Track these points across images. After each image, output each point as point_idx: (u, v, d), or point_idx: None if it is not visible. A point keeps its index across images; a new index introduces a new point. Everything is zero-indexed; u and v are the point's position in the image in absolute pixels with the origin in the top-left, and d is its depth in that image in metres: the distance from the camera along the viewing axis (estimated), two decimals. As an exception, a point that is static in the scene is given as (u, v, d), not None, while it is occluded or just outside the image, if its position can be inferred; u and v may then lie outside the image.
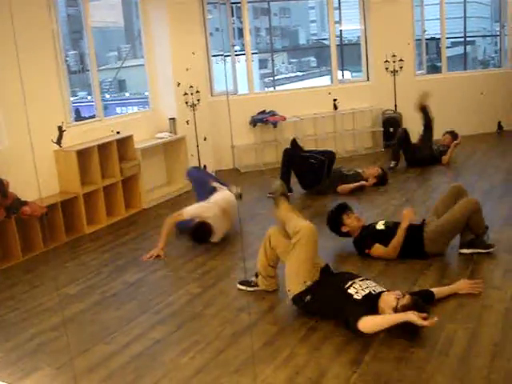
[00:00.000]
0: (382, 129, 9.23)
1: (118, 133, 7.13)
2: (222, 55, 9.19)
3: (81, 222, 6.35)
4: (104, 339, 3.94)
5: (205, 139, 8.38)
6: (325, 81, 11.39)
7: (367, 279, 3.93)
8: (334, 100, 9.35)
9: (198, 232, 5.54)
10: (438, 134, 8.34)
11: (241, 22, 9.25)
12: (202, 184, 6.26)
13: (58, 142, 6.45)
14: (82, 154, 6.43)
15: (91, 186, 6.50)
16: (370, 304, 3.67)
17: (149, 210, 7.11)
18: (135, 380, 3.41)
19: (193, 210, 5.59)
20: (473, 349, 3.41)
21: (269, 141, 8.96)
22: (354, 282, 3.82)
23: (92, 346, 3.85)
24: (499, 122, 10.01)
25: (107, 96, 13.50)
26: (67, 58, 9.94)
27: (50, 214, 5.92)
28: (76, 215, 6.34)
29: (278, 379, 3.27)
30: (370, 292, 3.74)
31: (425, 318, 3.45)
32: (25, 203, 5.61)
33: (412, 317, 3.44)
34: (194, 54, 8.19)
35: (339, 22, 10.06)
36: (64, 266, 5.43)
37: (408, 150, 8.02)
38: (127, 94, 13.94)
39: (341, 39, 10.24)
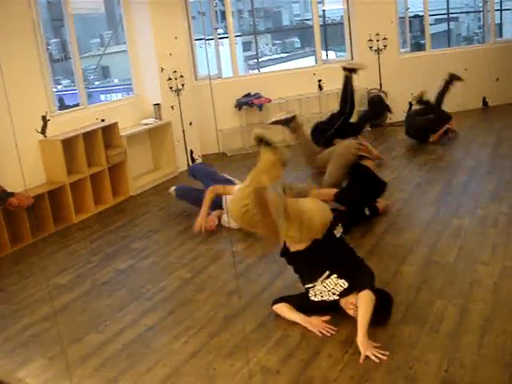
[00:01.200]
0: (367, 108, 9.22)
1: (102, 120, 7.09)
2: (203, 39, 9.13)
3: (68, 212, 6.32)
4: (96, 328, 3.94)
5: (190, 124, 8.34)
6: (309, 61, 11.36)
7: (336, 277, 3.59)
8: (319, 81, 9.33)
9: None
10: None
11: (223, 5, 9.18)
12: (208, 174, 6.18)
13: (43, 131, 6.40)
14: (68, 143, 6.39)
15: (78, 175, 6.47)
16: (320, 307, 3.68)
17: (136, 197, 7.10)
18: (129, 367, 3.42)
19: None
20: (463, 325, 3.44)
21: (255, 123, 8.94)
22: (314, 286, 3.65)
23: (84, 335, 3.85)
24: (484, 98, 10.03)
25: (96, 83, 13.41)
26: (49, 47, 9.86)
27: (38, 205, 5.89)
28: (63, 205, 6.32)
29: (270, 361, 3.30)
30: (323, 300, 3.68)
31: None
32: (11, 194, 5.57)
33: (313, 323, 3.58)
34: (176, 38, 8.13)
35: (322, 2, 10.01)
36: (53, 256, 5.42)
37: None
38: (115, 81, 13.82)
39: (324, 19, 10.21)
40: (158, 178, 7.67)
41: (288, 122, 6.49)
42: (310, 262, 3.68)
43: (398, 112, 8.94)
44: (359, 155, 5.66)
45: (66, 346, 3.70)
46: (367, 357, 3.19)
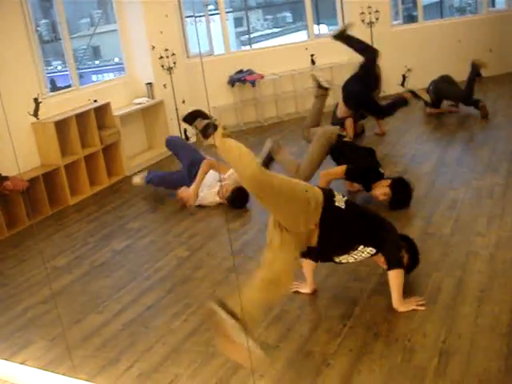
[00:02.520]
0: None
1: (95, 101, 7.05)
2: (194, 16, 9.05)
3: (64, 194, 6.31)
4: (95, 308, 3.96)
5: (183, 102, 8.30)
6: (301, 36, 11.27)
7: (363, 247, 3.46)
8: (312, 55, 9.27)
9: (238, 197, 5.42)
10: (424, 83, 8.26)
11: (213, -19, 9.11)
12: (187, 149, 6.20)
13: (35, 114, 6.36)
14: (61, 125, 6.36)
15: (72, 157, 6.45)
16: None
17: (132, 177, 7.07)
18: (129, 346, 3.44)
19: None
20: (460, 296, 3.47)
21: (248, 99, 8.91)
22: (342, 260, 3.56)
23: (84, 316, 3.87)
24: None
25: (89, 63, 13.30)
26: (38, 28, 9.75)
27: (33, 188, 5.88)
28: (59, 187, 6.30)
29: (270, 337, 3.32)
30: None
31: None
32: (6, 178, 5.56)
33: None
34: (167, 16, 8.06)
35: (313, -25, 9.92)
36: (50, 239, 5.42)
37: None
38: (105, 62, 13.72)
39: (315, -7, 10.12)
40: (153, 158, 7.65)
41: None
42: (330, 246, 3.46)
43: (392, 85, 8.90)
44: (338, 135, 5.58)
45: (66, 328, 3.72)
46: (366, 330, 3.23)
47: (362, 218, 3.52)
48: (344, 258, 3.49)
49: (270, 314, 3.54)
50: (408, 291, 3.55)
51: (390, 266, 3.44)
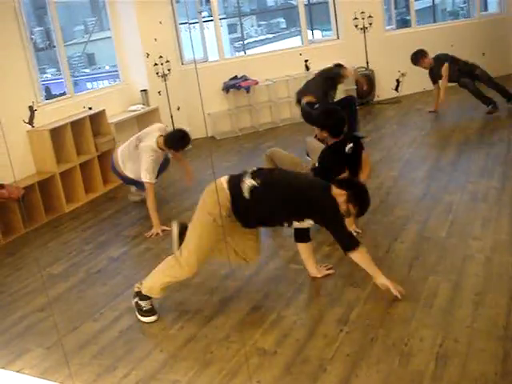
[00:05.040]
0: (355, 87, 9.20)
1: (90, 108, 7.06)
2: (188, 23, 9.07)
3: (60, 201, 6.31)
4: (92, 316, 3.95)
5: (178, 109, 8.32)
6: (295, 42, 11.29)
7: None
8: (306, 61, 9.30)
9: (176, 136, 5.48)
10: (418, 88, 8.32)
11: (207, -12, 9.12)
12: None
13: (30, 122, 6.36)
14: (56, 133, 6.36)
15: (67, 164, 6.45)
16: None
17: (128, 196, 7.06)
18: (126, 353, 3.43)
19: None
20: (456, 299, 3.47)
21: (243, 106, 8.93)
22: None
23: (81, 324, 3.86)
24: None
25: (85, 70, 13.28)
26: (33, 36, 9.75)
27: (28, 195, 5.87)
28: (54, 194, 6.30)
29: (267, 343, 3.32)
30: None
31: None
32: (1, 186, 5.56)
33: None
34: (161, 23, 8.08)
35: (305, -19, 9.95)
36: (46, 247, 5.41)
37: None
38: (102, 68, 13.71)
39: (308, -1, 10.14)
40: (148, 165, 7.63)
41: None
42: (255, 221, 3.70)
43: (386, 90, 8.93)
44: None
45: (63, 335, 3.71)
46: (363, 335, 3.23)
47: (274, 200, 3.57)
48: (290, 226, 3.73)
49: (266, 320, 3.55)
50: (404, 295, 3.56)
51: (344, 251, 3.57)
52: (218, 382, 3.04)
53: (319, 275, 3.98)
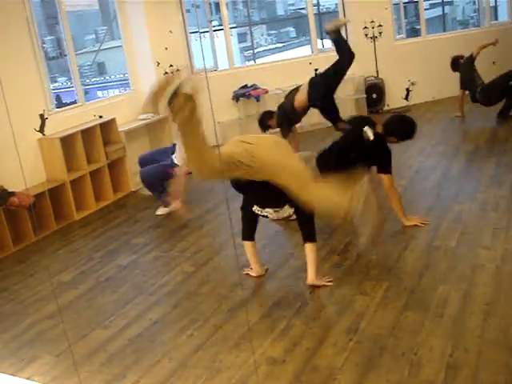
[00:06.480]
0: (365, 95, 9.22)
1: (100, 117, 7.09)
2: (198, 32, 9.11)
3: (70, 209, 6.33)
4: (101, 324, 3.96)
5: (188, 117, 8.32)
6: (305, 51, 11.33)
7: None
8: (316, 70, 9.30)
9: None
10: (427, 97, 8.31)
11: (217, -3, 9.16)
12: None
13: (41, 130, 6.40)
14: (66, 141, 6.40)
15: (77, 172, 6.47)
16: None
17: (137, 192, 7.10)
18: (135, 361, 3.44)
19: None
20: (466, 309, 3.46)
21: (252, 115, 8.92)
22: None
23: (90, 332, 3.87)
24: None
25: (96, 79, 13.38)
26: (44, 45, 9.84)
27: (39, 203, 5.90)
28: (64, 202, 6.33)
29: (276, 351, 3.31)
30: None
31: None
32: (12, 194, 5.58)
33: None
34: (171, 32, 8.12)
35: (316, -9, 9.99)
36: (56, 254, 5.43)
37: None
38: (111, 77, 13.79)
39: (318, 8, 10.17)
40: (158, 173, 7.66)
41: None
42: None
43: (396, 99, 8.93)
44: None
45: (72, 343, 3.72)
46: (372, 344, 3.22)
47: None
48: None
49: (276, 329, 3.54)
50: (414, 305, 3.55)
51: (304, 240, 3.97)
52: (226, 390, 3.04)
53: (318, 283, 4.01)
